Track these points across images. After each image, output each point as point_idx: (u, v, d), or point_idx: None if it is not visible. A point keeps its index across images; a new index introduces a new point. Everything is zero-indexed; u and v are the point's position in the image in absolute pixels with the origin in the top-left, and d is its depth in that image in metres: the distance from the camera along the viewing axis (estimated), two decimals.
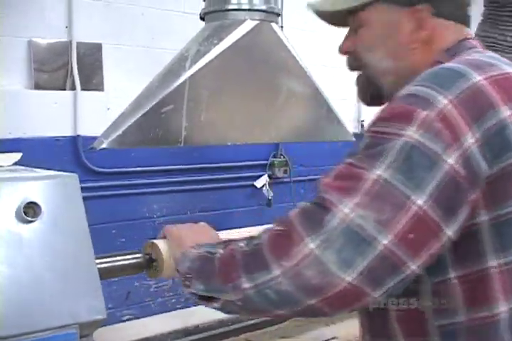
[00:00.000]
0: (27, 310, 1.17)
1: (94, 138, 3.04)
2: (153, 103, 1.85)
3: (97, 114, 3.10)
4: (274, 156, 3.76)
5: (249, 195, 3.72)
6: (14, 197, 1.20)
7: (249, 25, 2.08)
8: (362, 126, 4.07)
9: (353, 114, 4.15)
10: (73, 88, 3.03)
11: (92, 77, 3.10)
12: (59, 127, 3.03)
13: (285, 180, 3.83)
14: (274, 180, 3.77)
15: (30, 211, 1.19)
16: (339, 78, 3.27)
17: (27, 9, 2.96)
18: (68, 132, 3.04)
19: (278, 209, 3.68)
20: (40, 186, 1.25)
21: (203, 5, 3.37)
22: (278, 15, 2.20)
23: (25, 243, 1.19)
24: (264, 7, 2.14)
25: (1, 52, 2.87)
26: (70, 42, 3.03)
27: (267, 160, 3.76)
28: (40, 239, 1.21)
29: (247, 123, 2.06)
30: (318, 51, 3.59)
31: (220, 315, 1.89)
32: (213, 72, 1.96)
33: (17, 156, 1.47)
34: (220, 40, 2.00)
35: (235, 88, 2.03)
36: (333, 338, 1.93)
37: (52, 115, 3.01)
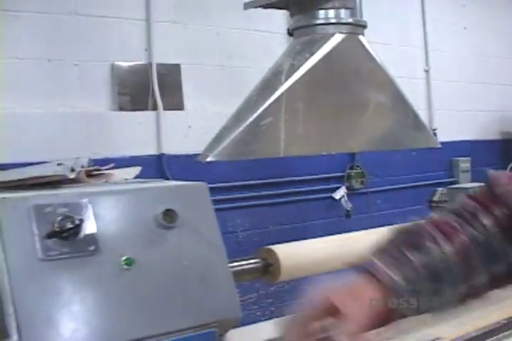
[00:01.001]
0: (171, 309, 1.24)
1: (177, 156, 3.18)
2: (254, 116, 1.92)
3: (179, 133, 3.20)
4: (351, 168, 3.80)
5: (328, 206, 3.77)
6: (153, 204, 1.27)
7: (337, 38, 2.13)
8: (435, 134, 4.09)
9: (426, 123, 4.17)
10: (155, 108, 3.13)
11: (172, 96, 3.20)
12: (143, 146, 3.13)
13: (362, 191, 3.87)
14: (351, 191, 3.81)
15: (168, 217, 1.27)
16: (411, 89, 3.32)
17: (108, 34, 3.08)
18: (152, 151, 3.13)
19: (357, 220, 3.71)
20: (175, 194, 1.32)
21: (274, 23, 3.48)
22: (364, 27, 2.26)
23: (165, 247, 1.27)
24: (351, 20, 2.20)
25: (86, 76, 2.99)
26: (150, 64, 3.13)
27: (344, 171, 3.81)
28: (177, 244, 1.28)
29: (339, 134, 2.11)
30: (393, 63, 3.64)
31: None
32: (307, 85, 2.03)
33: (137, 170, 1.55)
34: (312, 54, 2.06)
35: (328, 100, 2.08)
36: (437, 338, 1.94)
37: (136, 135, 3.11)
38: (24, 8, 2.89)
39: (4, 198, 1.15)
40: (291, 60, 2.07)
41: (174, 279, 1.25)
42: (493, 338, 1.91)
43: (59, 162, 1.35)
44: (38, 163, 1.61)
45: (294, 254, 1.62)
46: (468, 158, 4.30)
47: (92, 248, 1.18)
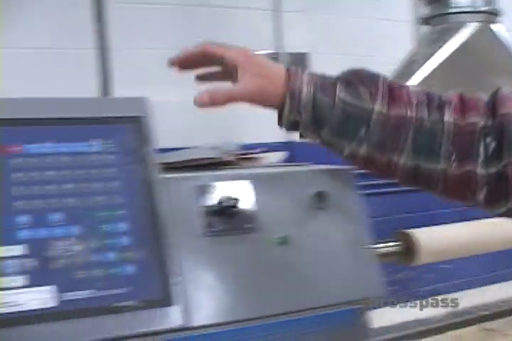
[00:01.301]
0: (319, 286, 1.32)
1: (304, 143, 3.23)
2: None
3: None
4: None
5: None
6: (306, 187, 1.36)
7: (472, 27, 2.14)
8: None
9: None
10: None
11: None
12: (274, 134, 3.20)
13: None
14: None
15: (320, 199, 1.34)
16: None
17: (237, 24, 3.19)
18: (282, 138, 3.22)
19: None
20: (325, 177, 1.40)
21: (400, 11, 3.49)
22: (499, 15, 2.25)
23: (316, 227, 1.35)
24: (485, 8, 2.20)
25: None
26: (279, 53, 3.22)
27: None
28: (327, 225, 1.36)
29: None
30: None
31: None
32: (441, 74, 2.05)
33: (283, 154, 1.64)
34: (445, 42, 2.09)
35: (461, 89, 2.10)
36: None
37: (267, 122, 3.20)
38: (162, 1, 3.04)
39: (170, 178, 1.26)
40: (426, 49, 2.10)
41: (323, 258, 1.33)
42: None
43: (213, 146, 1.46)
44: (175, 149, 1.69)
45: (433, 238, 1.67)
46: None
47: (249, 225, 1.28)
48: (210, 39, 1.28)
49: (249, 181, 1.31)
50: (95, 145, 1.22)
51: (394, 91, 1.11)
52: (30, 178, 1.15)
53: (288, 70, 1.16)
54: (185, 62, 1.29)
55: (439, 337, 1.88)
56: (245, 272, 1.26)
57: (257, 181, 1.32)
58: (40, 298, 1.09)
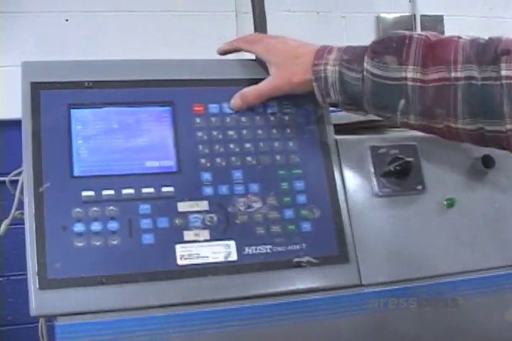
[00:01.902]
0: (486, 248, 1.31)
1: None
2: None
3: None
4: None
5: None
6: (470, 150, 1.34)
7: None
8: None
9: None
10: None
11: None
12: None
13: None
14: None
15: (486, 163, 1.33)
16: None
17: None
18: None
19: None
20: None
21: None
22: None
23: (481, 190, 1.34)
24: None
25: (352, 28, 3.09)
26: (414, 15, 3.16)
27: None
28: (491, 188, 1.35)
29: None
30: None
31: None
32: None
33: None
34: None
35: None
36: None
37: None
38: None
39: (343, 140, 1.28)
40: None
41: (487, 220, 1.33)
42: None
43: None
44: None
45: None
46: None
47: (419, 187, 1.28)
48: None
49: (416, 143, 1.31)
50: (272, 105, 1.25)
51: (433, 51, 1.00)
52: (212, 137, 1.20)
53: (317, 51, 1.14)
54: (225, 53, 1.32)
55: None
56: (416, 232, 1.27)
57: (424, 143, 1.32)
58: (223, 251, 1.14)
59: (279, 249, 1.17)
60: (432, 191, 1.29)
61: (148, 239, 1.11)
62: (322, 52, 1.16)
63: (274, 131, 1.23)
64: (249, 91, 1.21)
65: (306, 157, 1.23)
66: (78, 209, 1.10)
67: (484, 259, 1.31)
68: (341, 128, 1.31)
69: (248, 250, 1.16)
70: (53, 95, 1.15)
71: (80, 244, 1.08)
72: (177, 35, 2.74)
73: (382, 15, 3.12)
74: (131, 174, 1.15)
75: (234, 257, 1.14)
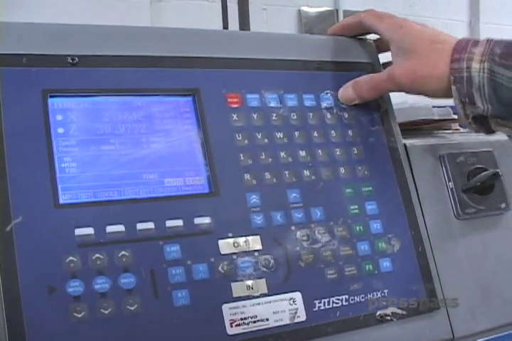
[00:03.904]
0: None
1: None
2: None
3: None
4: None
5: None
6: None
7: None
8: None
9: None
10: None
11: None
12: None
13: None
14: None
15: None
16: None
17: None
18: None
19: None
20: None
21: None
22: None
23: None
24: None
25: (272, 21, 2.79)
26: (337, 10, 2.91)
27: None
28: None
29: None
30: None
31: None
32: None
33: None
34: None
35: None
36: None
37: None
38: None
39: (414, 145, 0.95)
40: None
41: None
42: None
43: (413, 105, 1.15)
44: None
45: None
46: None
47: (503, 205, 0.98)
48: None
49: (492, 150, 1.01)
50: (327, 98, 0.90)
51: None
52: (256, 141, 0.83)
53: (457, 42, 0.82)
54: (341, 31, 0.96)
55: None
56: (507, 262, 0.96)
57: (500, 149, 1.02)
58: (287, 309, 0.78)
59: (357, 299, 0.82)
60: None
61: (182, 298, 0.73)
62: (465, 43, 0.81)
63: (333, 133, 0.88)
64: (365, 81, 0.88)
65: (375, 169, 0.89)
66: (71, 258, 0.70)
67: None
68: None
69: (319, 304, 0.80)
70: (21, 76, 0.73)
71: (79, 315, 0.68)
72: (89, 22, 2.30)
73: (305, 8, 2.84)
74: (145, 198, 0.75)
75: (302, 317, 0.78)
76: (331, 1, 2.88)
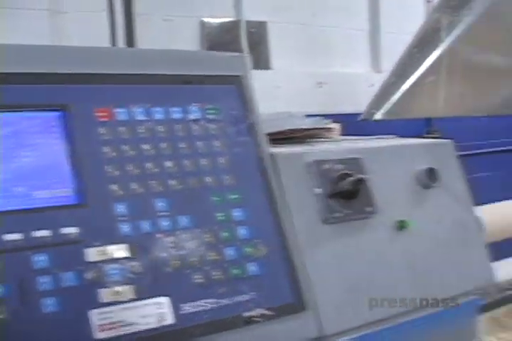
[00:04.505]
0: (439, 275, 1.11)
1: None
2: (418, 74, 1.79)
3: (267, 93, 3.03)
4: (428, 133, 3.66)
5: None
6: (412, 162, 1.14)
7: None
8: None
9: None
10: None
11: (259, 55, 3.04)
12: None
13: None
14: None
15: (430, 176, 1.13)
16: None
17: None
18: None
19: None
20: (429, 152, 1.19)
21: None
22: None
23: (428, 207, 1.14)
24: None
25: (175, 32, 2.82)
26: (239, 21, 2.96)
27: (421, 137, 3.66)
28: (437, 204, 1.15)
29: (495, 96, 1.99)
30: None
31: None
32: (468, 42, 1.89)
33: (339, 126, 1.41)
34: (470, 9, 1.92)
35: (485, 60, 1.95)
36: None
37: None
38: None
39: (281, 153, 1.01)
40: (449, 17, 1.92)
41: (439, 242, 1.13)
42: None
43: (290, 114, 1.21)
44: None
45: (497, 215, 1.50)
46: None
47: (369, 209, 1.05)
48: None
49: (361, 156, 1.07)
50: (194, 110, 0.94)
51: None
52: (123, 153, 0.87)
53: None
54: None
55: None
56: (372, 264, 1.03)
57: (369, 156, 1.09)
58: (154, 313, 0.82)
59: (225, 301, 0.87)
60: (382, 212, 1.07)
61: (50, 305, 0.76)
62: None
63: (200, 144, 0.92)
64: None
65: (242, 177, 0.94)
66: None
67: (442, 288, 1.10)
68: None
69: (187, 308, 0.84)
70: None
71: None
72: None
73: (207, 19, 2.88)
74: (14, 211, 0.78)
75: (170, 320, 0.82)
76: (233, 11, 2.92)
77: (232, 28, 2.94)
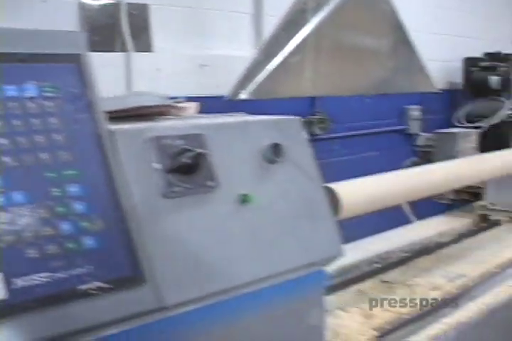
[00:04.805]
0: (284, 248, 1.17)
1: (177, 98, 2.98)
2: (283, 54, 1.84)
3: (148, 75, 3.03)
4: (312, 114, 3.74)
5: None
6: (259, 138, 1.19)
7: None
8: None
9: None
10: (124, 49, 2.95)
11: (140, 38, 3.03)
12: (112, 88, 2.94)
13: (323, 137, 3.83)
14: (313, 138, 3.76)
15: (275, 152, 1.18)
16: None
17: None
18: (122, 93, 2.97)
19: (318, 167, 3.68)
20: (277, 128, 1.24)
21: None
22: None
23: (273, 182, 1.19)
24: None
25: (51, 14, 2.77)
26: (120, 3, 2.94)
27: (305, 117, 3.74)
28: (284, 179, 1.21)
29: (359, 76, 2.08)
30: None
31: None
32: (333, 24, 1.96)
33: (197, 105, 1.44)
34: None
35: (350, 41, 2.03)
36: (461, 275, 1.97)
37: (104, 77, 2.92)
38: None
39: (118, 130, 1.03)
40: None
41: (284, 216, 1.18)
42: None
43: (138, 93, 1.23)
44: None
45: (355, 191, 1.57)
46: (419, 107, 4.36)
47: (211, 183, 1.09)
48: None
49: (203, 132, 1.11)
50: (30, 88, 0.95)
51: None
52: None
53: None
54: None
55: (341, 292, 1.82)
56: (214, 237, 1.07)
57: (211, 132, 1.12)
58: None
59: (60, 275, 0.89)
60: (224, 187, 1.11)
61: None
62: None
63: (36, 121, 0.94)
64: None
65: (80, 154, 0.96)
66: None
67: (286, 260, 1.16)
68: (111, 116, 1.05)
69: (20, 282, 0.86)
70: None
71: None
72: None
73: (86, 1, 2.84)
74: None
75: (1, 295, 0.84)
76: None
77: (113, 10, 2.91)
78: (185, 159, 1.04)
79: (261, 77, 1.79)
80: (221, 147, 1.12)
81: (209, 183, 1.08)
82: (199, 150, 1.06)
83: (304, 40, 1.85)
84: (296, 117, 1.27)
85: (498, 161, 2.30)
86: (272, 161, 1.18)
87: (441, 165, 2.05)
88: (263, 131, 1.21)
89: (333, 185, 1.55)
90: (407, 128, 4.28)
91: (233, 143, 1.15)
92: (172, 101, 1.21)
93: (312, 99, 3.69)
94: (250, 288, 1.09)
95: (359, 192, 1.60)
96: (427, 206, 2.71)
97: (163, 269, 0.99)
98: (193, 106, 1.36)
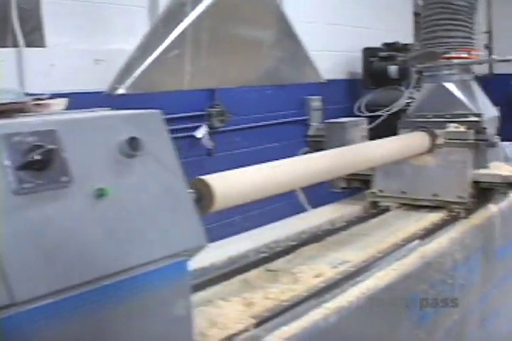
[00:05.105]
0: (142, 240, 1.19)
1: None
2: (161, 48, 1.86)
3: (41, 71, 3.01)
4: (211, 106, 3.78)
5: (189, 145, 3.74)
6: (117, 132, 1.21)
7: None
8: None
9: None
10: (16, 45, 2.92)
11: (32, 33, 3.00)
12: (4, 85, 2.91)
13: (223, 129, 3.88)
14: (213, 130, 3.81)
15: (132, 145, 1.21)
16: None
17: None
18: None
19: (219, 159, 3.73)
20: (136, 122, 1.26)
21: None
22: None
23: (132, 176, 1.21)
24: None
25: None
26: None
27: (204, 110, 3.78)
28: (143, 173, 1.23)
29: (239, 68, 2.11)
30: None
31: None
32: (213, 17, 1.99)
33: (65, 101, 1.45)
34: None
35: (230, 33, 2.07)
36: (346, 261, 2.04)
37: None
38: None
39: None
40: None
41: (144, 209, 1.21)
42: (397, 257, 2.04)
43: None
44: None
45: (229, 183, 1.61)
46: (320, 97, 4.46)
47: (64, 179, 1.11)
48: None
49: (57, 128, 1.12)
50: None
51: None
52: None
53: None
54: None
55: (226, 283, 1.86)
56: (68, 232, 1.09)
57: (65, 128, 1.14)
58: None
59: None
60: (79, 181, 1.12)
61: None
62: None
63: None
64: None
65: None
66: None
67: (146, 252, 1.19)
68: None
69: None
70: None
71: None
72: None
73: None
74: None
75: None
76: None
77: (2, 4, 2.87)
78: (35, 155, 1.06)
79: (138, 71, 1.80)
80: (76, 142, 1.14)
81: (63, 179, 1.10)
82: (50, 146, 1.07)
83: (183, 34, 1.87)
84: (157, 110, 1.30)
85: (383, 149, 2.38)
86: (129, 155, 1.20)
87: (324, 154, 2.12)
88: (121, 125, 1.23)
89: (208, 177, 1.59)
90: (308, 118, 4.38)
91: (89, 138, 1.17)
92: (31, 98, 1.22)
93: (211, 92, 3.74)
94: (108, 280, 1.12)
95: (235, 183, 1.64)
96: (322, 195, 2.79)
97: (14, 266, 1.00)
98: (59, 103, 1.37)
